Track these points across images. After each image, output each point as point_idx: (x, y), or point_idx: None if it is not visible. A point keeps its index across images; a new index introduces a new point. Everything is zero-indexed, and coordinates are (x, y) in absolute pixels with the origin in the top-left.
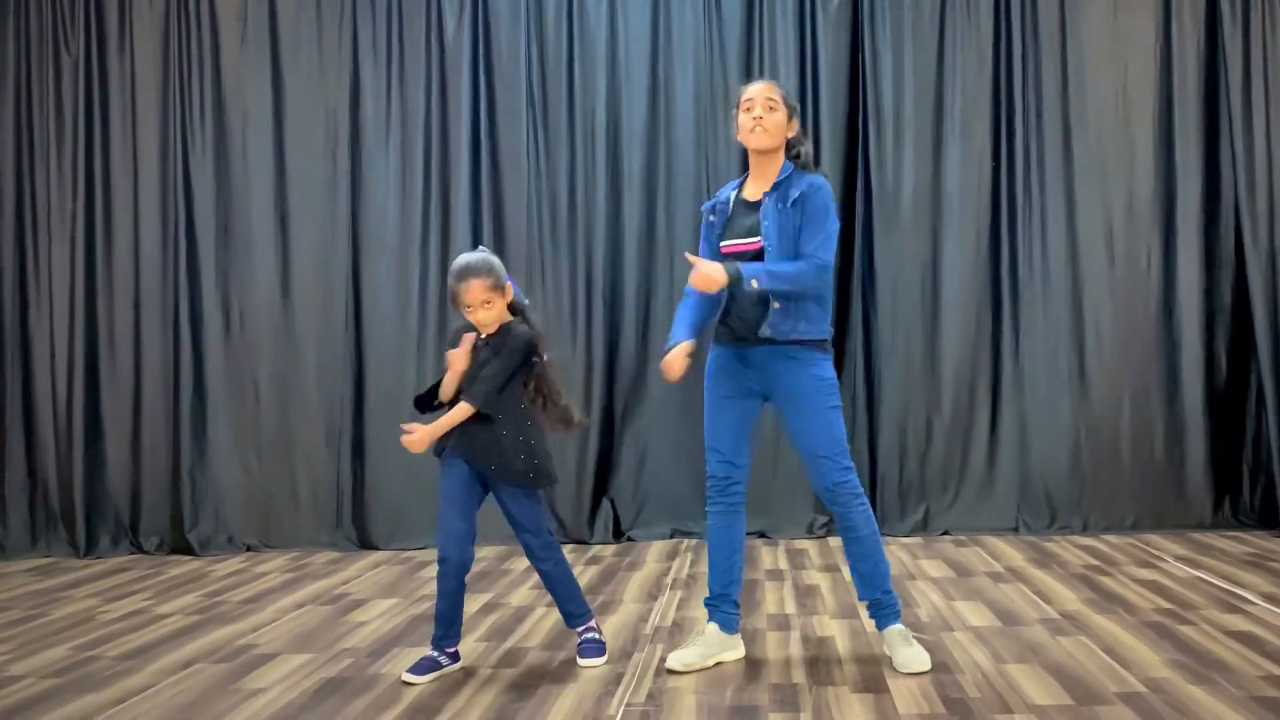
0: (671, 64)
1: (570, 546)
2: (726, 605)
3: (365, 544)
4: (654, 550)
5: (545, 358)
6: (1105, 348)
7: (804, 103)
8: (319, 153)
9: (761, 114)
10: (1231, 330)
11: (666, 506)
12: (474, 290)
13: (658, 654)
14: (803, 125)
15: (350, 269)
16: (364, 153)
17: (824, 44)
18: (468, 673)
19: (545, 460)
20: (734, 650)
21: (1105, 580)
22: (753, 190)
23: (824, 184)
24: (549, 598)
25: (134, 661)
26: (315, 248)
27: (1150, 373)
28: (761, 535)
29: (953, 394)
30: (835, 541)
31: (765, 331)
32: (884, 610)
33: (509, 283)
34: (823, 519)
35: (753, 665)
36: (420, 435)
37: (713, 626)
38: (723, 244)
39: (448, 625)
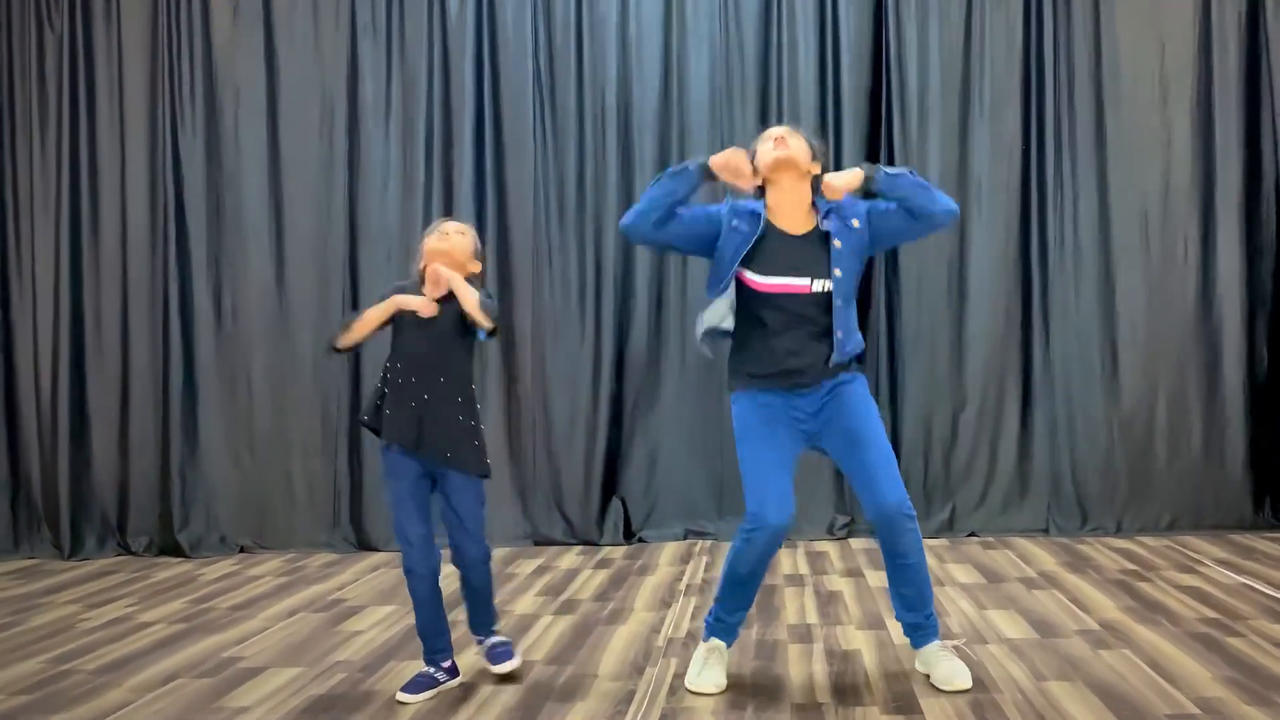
0: (686, 42)
1: (579, 548)
2: (736, 630)
3: (364, 545)
4: (666, 553)
5: None
6: (1140, 340)
7: (824, 84)
8: (315, 134)
9: (783, 135)
10: (1272, 321)
11: (679, 506)
12: (461, 248)
13: (671, 669)
14: (822, 109)
15: (347, 256)
16: (362, 134)
17: (845, 21)
18: (466, 689)
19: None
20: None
21: (1144, 586)
22: (790, 223)
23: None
24: (555, 604)
25: (111, 675)
26: (311, 234)
27: (1187, 366)
28: None
29: (980, 389)
30: (857, 543)
31: (835, 359)
32: (923, 631)
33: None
34: (843, 519)
35: (774, 682)
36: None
37: (721, 644)
38: (761, 279)
39: (434, 638)
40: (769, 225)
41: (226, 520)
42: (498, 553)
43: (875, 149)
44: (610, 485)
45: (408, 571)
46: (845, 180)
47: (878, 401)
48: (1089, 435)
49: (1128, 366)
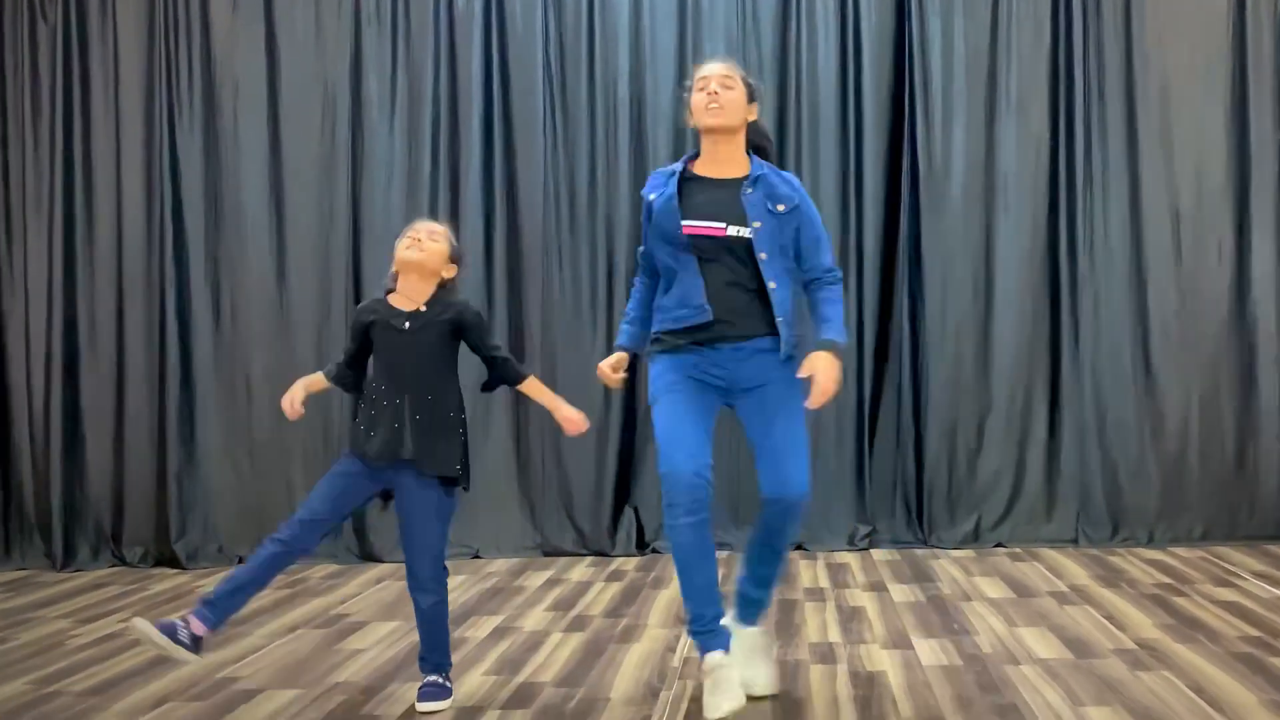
0: (701, 34)
1: (590, 559)
2: (724, 629)
3: (367, 556)
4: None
5: None
6: (1172, 344)
7: (845, 77)
8: (316, 130)
9: (718, 89)
10: None
11: None
12: (427, 225)
13: (688, 691)
14: (842, 105)
15: (350, 256)
16: (365, 129)
17: (867, 12)
18: (473, 713)
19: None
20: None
21: (1181, 602)
22: (715, 168)
23: (801, 184)
24: (565, 621)
25: (98, 699)
26: (312, 233)
27: (1221, 371)
28: (798, 547)
29: (1007, 394)
30: (880, 555)
31: (785, 351)
32: (755, 611)
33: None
34: (864, 529)
35: (795, 707)
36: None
37: (720, 655)
38: (685, 223)
39: (227, 597)
40: (689, 174)
41: (225, 529)
42: (506, 564)
43: (898, 147)
44: (622, 494)
45: (274, 535)
46: (832, 378)
47: (899, 407)
48: (1120, 442)
49: (1160, 370)
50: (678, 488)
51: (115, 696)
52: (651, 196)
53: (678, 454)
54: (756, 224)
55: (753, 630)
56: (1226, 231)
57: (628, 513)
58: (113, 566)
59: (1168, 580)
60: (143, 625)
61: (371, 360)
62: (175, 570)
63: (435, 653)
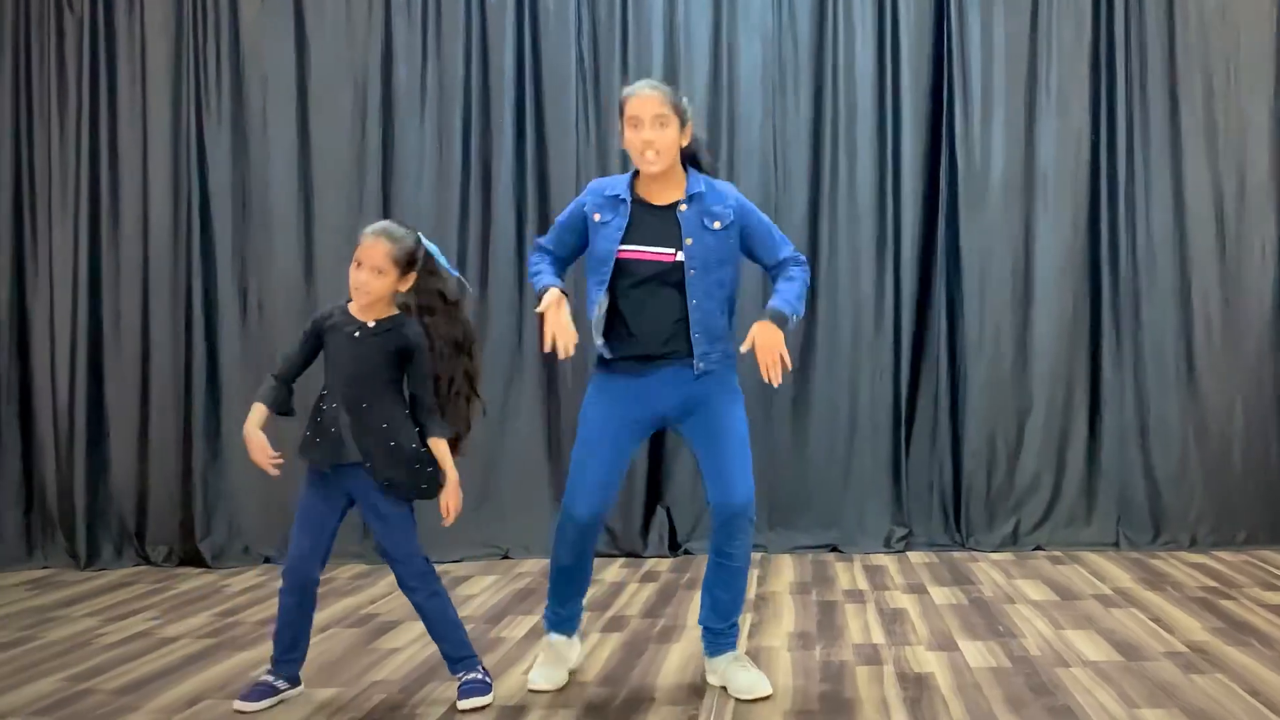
0: (736, 29)
1: (622, 560)
2: (575, 620)
3: None
4: None
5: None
6: (1216, 343)
7: (882, 73)
8: (346, 122)
9: (652, 137)
10: None
11: None
12: (372, 250)
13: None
14: (880, 101)
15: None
16: (396, 123)
17: (905, 7)
18: (518, 712)
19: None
20: (576, 650)
21: (1229, 605)
22: (656, 195)
23: (739, 194)
24: (603, 621)
25: (132, 697)
26: (342, 227)
27: (1265, 370)
28: (833, 549)
29: (1046, 395)
30: (916, 557)
31: (701, 366)
32: (723, 640)
33: (436, 269)
34: (901, 531)
35: (844, 707)
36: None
37: (561, 638)
38: (623, 248)
39: (284, 649)
40: (634, 200)
41: (250, 528)
42: (537, 564)
43: (936, 143)
44: (654, 494)
45: (281, 586)
46: (773, 338)
47: (935, 408)
48: (1162, 444)
49: (1203, 371)
50: (569, 524)
51: (149, 695)
52: (596, 217)
53: (579, 498)
54: (689, 240)
55: (724, 657)
56: (1270, 229)
57: (660, 513)
58: (136, 565)
59: (1213, 584)
60: (245, 705)
61: (324, 365)
62: (200, 569)
63: (451, 645)
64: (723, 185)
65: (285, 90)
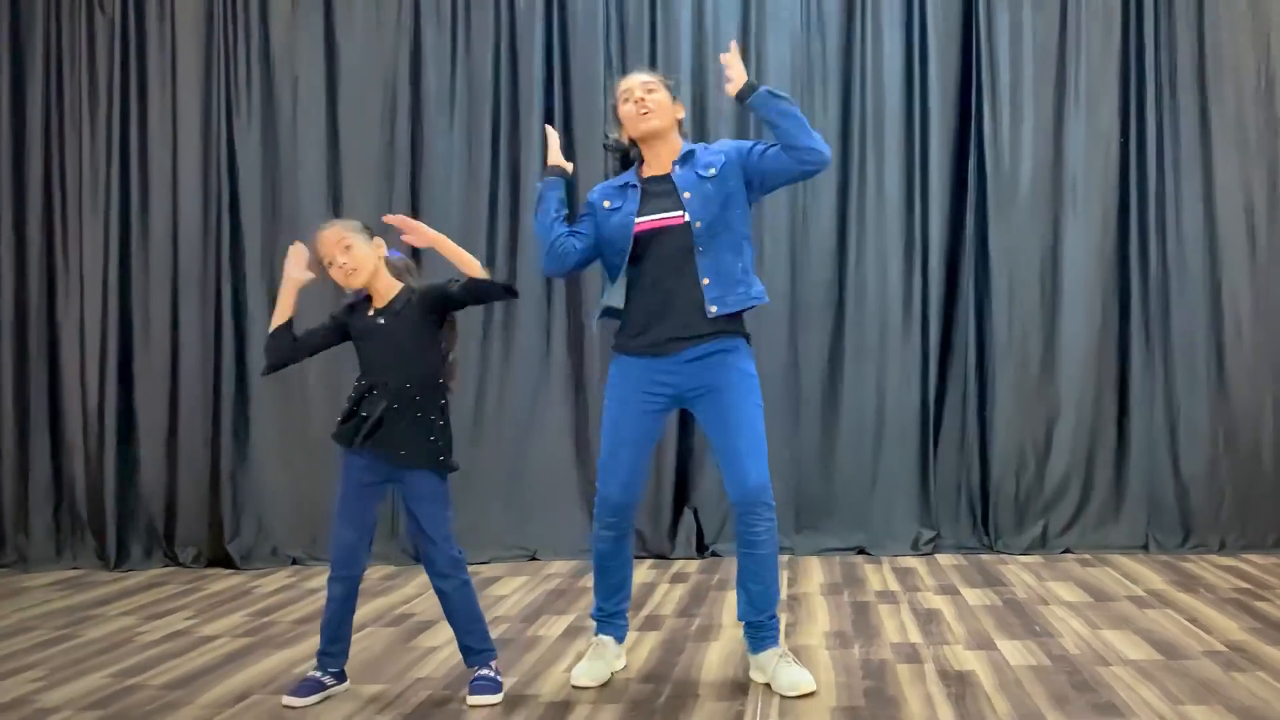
0: (765, 30)
1: (650, 562)
2: (620, 620)
3: (420, 558)
4: None
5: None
6: (1246, 345)
7: (910, 73)
8: (376, 124)
9: (643, 96)
10: None
11: None
12: (327, 238)
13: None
14: (908, 101)
15: (409, 253)
16: (425, 124)
17: (933, 8)
18: (563, 708)
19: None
20: (621, 660)
21: (1264, 606)
22: (657, 168)
23: (735, 141)
24: (639, 620)
25: (182, 692)
26: (371, 229)
27: None
28: (861, 551)
29: (1075, 397)
30: (945, 559)
31: (713, 310)
32: (764, 633)
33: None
34: (929, 533)
35: (889, 704)
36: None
37: (609, 640)
38: (640, 219)
39: (331, 641)
40: (639, 179)
41: (279, 530)
42: (565, 565)
43: (965, 143)
44: (682, 496)
45: (330, 575)
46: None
47: (964, 410)
48: (1192, 447)
49: (1233, 373)
50: (605, 509)
51: (198, 689)
52: (606, 204)
53: (612, 482)
54: (686, 194)
55: (768, 652)
56: None
57: (687, 515)
58: (165, 566)
59: (1246, 585)
60: (294, 700)
61: (358, 360)
62: (229, 571)
63: (473, 638)
64: (719, 142)
65: (315, 92)
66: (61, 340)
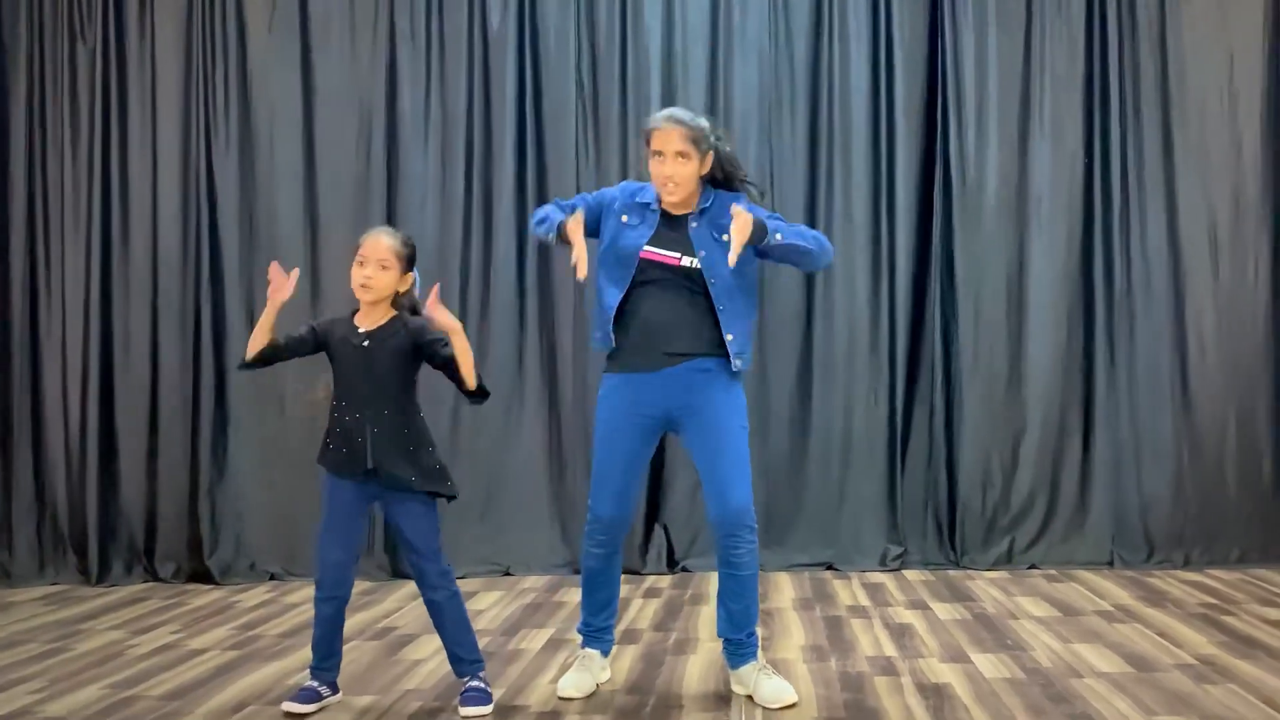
0: (732, 52)
1: (623, 577)
2: (607, 635)
3: (399, 574)
4: (713, 582)
5: None
6: (1209, 363)
7: (877, 93)
8: (352, 148)
9: (672, 171)
10: None
11: None
12: (378, 245)
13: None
14: (875, 122)
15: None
16: (400, 149)
17: (900, 28)
18: (550, 717)
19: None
20: (606, 672)
21: (1231, 621)
22: (676, 207)
23: (744, 204)
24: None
25: (180, 702)
26: (348, 251)
27: (1258, 391)
28: (829, 567)
29: (1041, 414)
30: (913, 575)
31: (737, 365)
32: (744, 650)
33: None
34: (896, 549)
35: (869, 716)
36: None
37: (594, 652)
38: (647, 249)
39: (324, 657)
40: (660, 205)
41: (257, 546)
42: (540, 580)
43: (931, 162)
44: (653, 512)
45: (317, 595)
46: (749, 219)
47: (930, 427)
48: (1156, 463)
49: (1197, 390)
50: (597, 527)
51: (195, 701)
52: (624, 219)
53: (604, 499)
54: (702, 253)
55: (748, 667)
56: (1264, 250)
57: (658, 531)
58: (145, 582)
59: (1212, 600)
60: (295, 707)
61: (333, 378)
62: (209, 586)
63: (463, 649)
64: (729, 198)
65: (292, 117)
66: (43, 360)
